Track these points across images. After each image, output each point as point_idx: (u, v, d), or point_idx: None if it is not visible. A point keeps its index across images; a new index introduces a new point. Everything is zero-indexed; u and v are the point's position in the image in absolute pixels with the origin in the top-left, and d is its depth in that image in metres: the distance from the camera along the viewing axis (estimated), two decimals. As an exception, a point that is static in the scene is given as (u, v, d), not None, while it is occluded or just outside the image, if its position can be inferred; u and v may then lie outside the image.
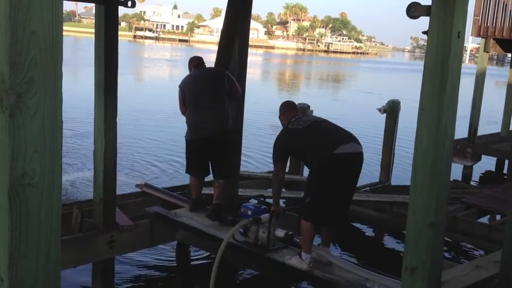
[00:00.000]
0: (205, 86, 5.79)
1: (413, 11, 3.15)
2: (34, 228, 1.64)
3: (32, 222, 1.63)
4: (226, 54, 6.19)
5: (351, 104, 25.02)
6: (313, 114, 8.66)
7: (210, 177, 6.13)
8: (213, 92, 5.75)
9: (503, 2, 11.74)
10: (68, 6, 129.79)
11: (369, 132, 14.28)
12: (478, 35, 11.83)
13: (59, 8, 1.61)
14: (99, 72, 5.20)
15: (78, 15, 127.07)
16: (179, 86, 5.94)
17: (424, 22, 3.19)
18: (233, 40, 6.16)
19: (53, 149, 1.64)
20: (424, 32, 3.21)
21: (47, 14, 1.58)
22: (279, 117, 5.22)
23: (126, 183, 8.83)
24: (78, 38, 71.78)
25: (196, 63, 6.01)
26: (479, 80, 11.92)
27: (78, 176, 9.33)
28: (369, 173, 10.04)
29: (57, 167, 1.66)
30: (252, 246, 5.07)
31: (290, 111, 5.17)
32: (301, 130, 4.87)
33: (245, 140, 6.85)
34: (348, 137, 4.78)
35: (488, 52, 12.02)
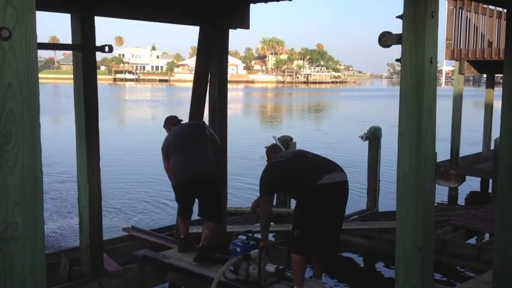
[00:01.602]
0: (187, 136, 5.82)
1: (385, 40, 3.21)
2: (19, 282, 1.61)
3: (16, 277, 1.60)
4: (202, 94, 6.26)
5: (334, 133, 25.19)
6: (297, 146, 8.72)
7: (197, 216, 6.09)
8: (195, 140, 5.78)
9: (474, 24, 12.03)
10: (46, 54, 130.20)
11: (353, 159, 14.35)
12: (452, 58, 12.06)
13: (34, 59, 1.62)
14: (80, 119, 5.20)
15: (57, 62, 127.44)
16: (161, 147, 5.91)
17: (398, 48, 3.25)
18: (207, 79, 6.24)
19: (34, 200, 1.63)
20: (397, 60, 3.27)
21: (22, 66, 1.59)
22: (267, 160, 5.31)
23: (112, 227, 8.73)
24: (58, 85, 71.81)
25: (174, 122, 6.08)
26: (457, 101, 12.10)
27: (66, 223, 9.22)
28: (356, 200, 10.05)
29: (39, 218, 1.65)
30: (244, 284, 5.02)
31: (275, 152, 5.30)
32: (285, 162, 4.93)
33: (230, 174, 6.84)
34: (332, 167, 4.81)
35: (463, 74, 12.24)
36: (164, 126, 6.14)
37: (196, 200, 5.83)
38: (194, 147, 5.72)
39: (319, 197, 4.66)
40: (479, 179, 12.85)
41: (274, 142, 7.98)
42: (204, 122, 6.13)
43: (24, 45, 1.58)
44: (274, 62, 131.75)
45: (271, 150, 5.39)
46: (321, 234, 4.72)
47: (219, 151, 6.17)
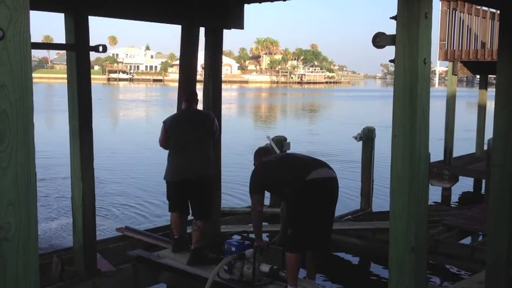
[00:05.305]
0: (194, 130, 5.71)
1: (378, 41, 3.22)
2: (12, 283, 1.61)
3: (9, 277, 1.60)
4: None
5: (328, 134, 25.21)
6: (291, 146, 8.73)
7: (190, 216, 6.08)
8: (201, 136, 5.70)
9: (468, 25, 12.07)
10: (40, 53, 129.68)
11: (348, 159, 14.38)
12: (446, 58, 12.10)
13: (28, 60, 1.62)
14: (73, 118, 5.19)
15: (51, 61, 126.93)
16: (164, 122, 5.82)
17: (392, 48, 3.25)
18: (195, 75, 6.20)
19: (28, 200, 1.62)
20: (391, 61, 3.28)
21: (16, 67, 1.58)
22: (254, 164, 5.30)
23: (106, 227, 8.71)
24: (52, 84, 71.47)
25: (184, 98, 5.85)
26: (450, 102, 12.14)
27: (58, 223, 9.18)
28: (350, 200, 10.08)
29: (33, 219, 1.64)
30: (238, 284, 5.01)
31: (265, 155, 5.30)
32: (274, 161, 5.09)
33: (224, 175, 6.83)
34: (319, 164, 4.91)
35: (456, 75, 12.28)
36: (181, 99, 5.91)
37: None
38: (196, 146, 5.65)
39: (308, 193, 4.71)
40: (473, 179, 12.89)
41: (268, 142, 8.00)
42: (213, 116, 5.89)
43: (17, 45, 1.57)
44: (269, 62, 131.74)
45: (261, 152, 5.38)
46: (313, 230, 4.77)
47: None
